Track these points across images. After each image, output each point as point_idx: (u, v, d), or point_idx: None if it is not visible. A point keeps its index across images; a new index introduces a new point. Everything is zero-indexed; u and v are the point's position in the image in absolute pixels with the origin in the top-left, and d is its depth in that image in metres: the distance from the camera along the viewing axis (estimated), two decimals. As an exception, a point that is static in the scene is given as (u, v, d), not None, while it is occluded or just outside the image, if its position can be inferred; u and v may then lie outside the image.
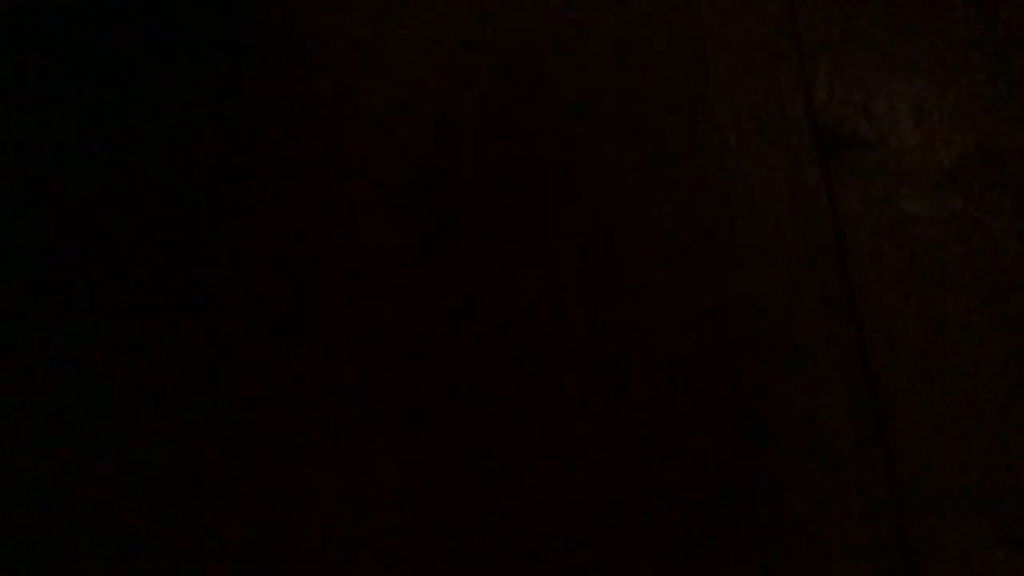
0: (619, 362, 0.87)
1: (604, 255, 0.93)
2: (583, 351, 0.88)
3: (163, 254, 0.94)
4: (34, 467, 0.84)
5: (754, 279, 0.91)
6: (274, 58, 1.06)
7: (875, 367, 0.85)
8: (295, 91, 1.04)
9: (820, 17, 1.06)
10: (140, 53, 1.06)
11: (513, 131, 1.00)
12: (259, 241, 0.95)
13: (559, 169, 0.98)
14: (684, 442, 0.83)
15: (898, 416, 0.83)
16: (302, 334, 0.90)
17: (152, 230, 0.96)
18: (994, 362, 0.85)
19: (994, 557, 0.77)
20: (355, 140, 1.01)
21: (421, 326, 0.90)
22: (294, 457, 0.84)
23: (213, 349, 0.89)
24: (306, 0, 1.10)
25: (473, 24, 1.08)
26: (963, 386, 0.84)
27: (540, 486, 0.82)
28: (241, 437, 0.85)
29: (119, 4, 1.09)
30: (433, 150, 1.00)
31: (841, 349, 0.86)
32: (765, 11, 1.06)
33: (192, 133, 1.01)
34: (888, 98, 1.00)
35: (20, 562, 0.80)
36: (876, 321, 0.88)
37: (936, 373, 0.85)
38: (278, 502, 0.82)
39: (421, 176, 0.98)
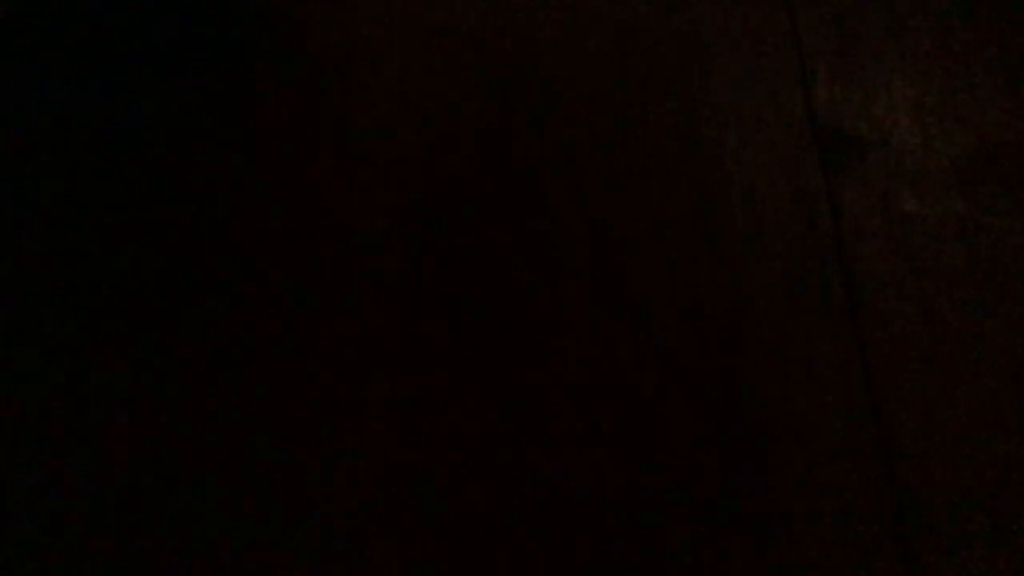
0: (618, 362, 0.87)
1: (604, 255, 0.93)
2: (582, 352, 0.88)
3: (162, 255, 0.94)
4: (34, 467, 0.84)
5: (754, 279, 0.91)
6: (276, 58, 1.06)
7: (875, 367, 0.85)
8: (297, 91, 1.04)
9: (820, 17, 1.06)
10: (142, 54, 1.06)
11: (513, 130, 1.00)
12: (259, 242, 0.95)
13: (559, 169, 0.98)
14: (683, 442, 0.83)
15: (898, 416, 0.83)
16: (302, 335, 0.90)
17: (151, 231, 0.96)
18: (994, 362, 0.85)
19: (994, 557, 0.77)
20: (356, 140, 1.01)
21: (419, 326, 0.90)
22: (293, 458, 0.84)
23: (212, 350, 0.89)
24: (309, 2, 1.10)
25: (474, 24, 1.08)
26: (963, 386, 0.84)
27: (538, 489, 0.82)
28: (239, 437, 0.85)
29: (121, 6, 1.08)
30: (434, 149, 1.00)
31: (841, 349, 0.86)
32: (765, 11, 1.06)
33: (192, 133, 1.01)
34: (888, 98, 1.00)
35: (20, 562, 0.80)
36: (876, 321, 0.88)
37: (936, 373, 0.85)
38: (275, 506, 0.82)
39: (421, 175, 0.98)
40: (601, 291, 0.91)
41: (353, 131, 1.01)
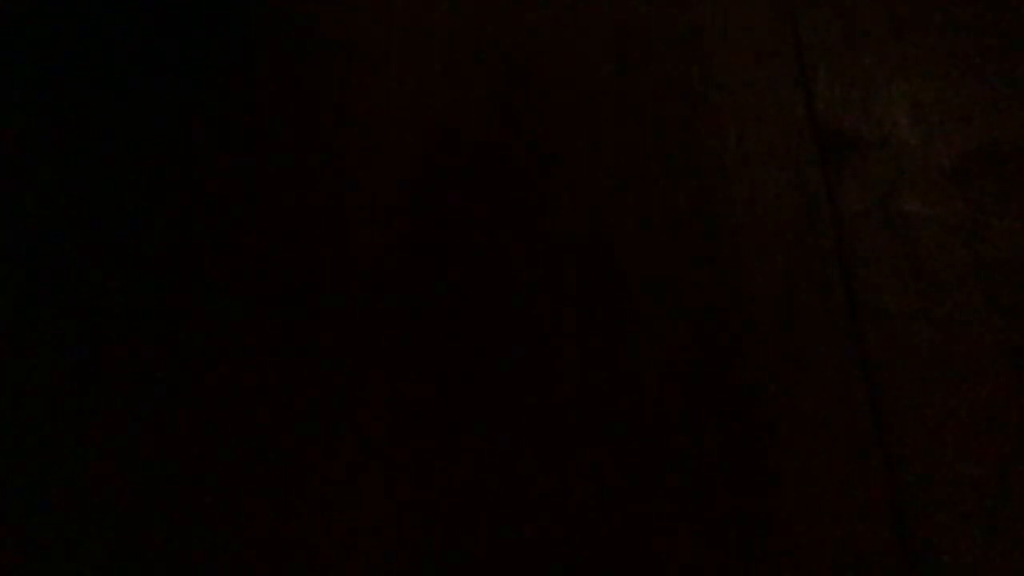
0: (619, 362, 0.87)
1: (604, 255, 0.93)
2: (582, 352, 0.88)
3: (161, 255, 0.94)
4: (34, 467, 0.84)
5: (754, 279, 0.91)
6: (276, 58, 1.06)
7: (875, 367, 0.85)
8: (297, 92, 1.04)
9: (820, 17, 1.06)
10: (142, 54, 1.06)
11: (513, 130, 1.00)
12: (259, 242, 0.95)
13: (559, 169, 0.98)
14: (684, 442, 0.83)
15: (898, 416, 0.83)
16: (302, 334, 0.89)
17: (151, 230, 0.96)
18: (994, 361, 0.85)
19: (993, 556, 0.77)
20: (356, 140, 1.01)
21: (419, 326, 0.90)
22: (293, 458, 0.84)
23: (211, 349, 0.89)
24: (309, 2, 1.10)
25: (474, 25, 1.08)
26: (963, 386, 0.84)
27: (539, 489, 0.82)
28: (239, 437, 0.85)
29: (121, 6, 1.09)
30: (434, 149, 1.00)
31: (841, 349, 0.86)
32: (765, 11, 1.06)
33: (193, 134, 1.01)
34: (888, 98, 1.00)
35: (20, 561, 0.80)
36: (876, 321, 0.88)
37: (936, 373, 0.85)
38: (275, 505, 0.82)
39: (421, 175, 0.98)
40: (601, 291, 0.91)
41: (353, 131, 1.01)
